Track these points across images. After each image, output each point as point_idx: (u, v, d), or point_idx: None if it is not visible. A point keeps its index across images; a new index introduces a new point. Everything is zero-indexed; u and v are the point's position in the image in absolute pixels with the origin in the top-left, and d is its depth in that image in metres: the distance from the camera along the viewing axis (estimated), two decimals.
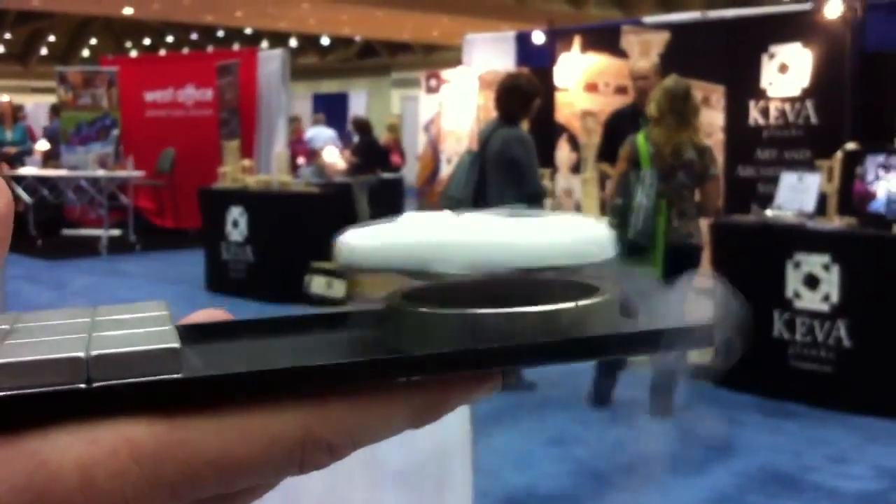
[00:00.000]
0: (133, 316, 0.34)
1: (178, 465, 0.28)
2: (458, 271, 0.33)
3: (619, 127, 5.29)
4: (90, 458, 0.27)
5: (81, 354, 0.28)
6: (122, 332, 0.31)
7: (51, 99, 13.53)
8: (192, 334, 0.34)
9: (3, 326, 0.32)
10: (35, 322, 0.33)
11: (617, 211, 4.31)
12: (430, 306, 0.33)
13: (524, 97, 4.82)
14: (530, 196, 4.66)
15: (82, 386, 0.28)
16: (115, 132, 11.28)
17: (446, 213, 0.35)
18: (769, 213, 5.17)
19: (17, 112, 12.50)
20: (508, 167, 4.71)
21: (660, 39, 7.07)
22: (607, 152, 5.49)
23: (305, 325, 0.38)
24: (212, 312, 0.38)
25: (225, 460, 0.29)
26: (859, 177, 4.81)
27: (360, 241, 0.35)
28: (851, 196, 4.88)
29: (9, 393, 0.27)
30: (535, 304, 0.33)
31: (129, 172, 10.77)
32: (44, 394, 0.28)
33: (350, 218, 5.94)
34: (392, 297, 0.35)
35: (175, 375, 0.29)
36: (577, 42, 7.75)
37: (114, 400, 0.28)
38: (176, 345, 0.29)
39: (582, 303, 0.34)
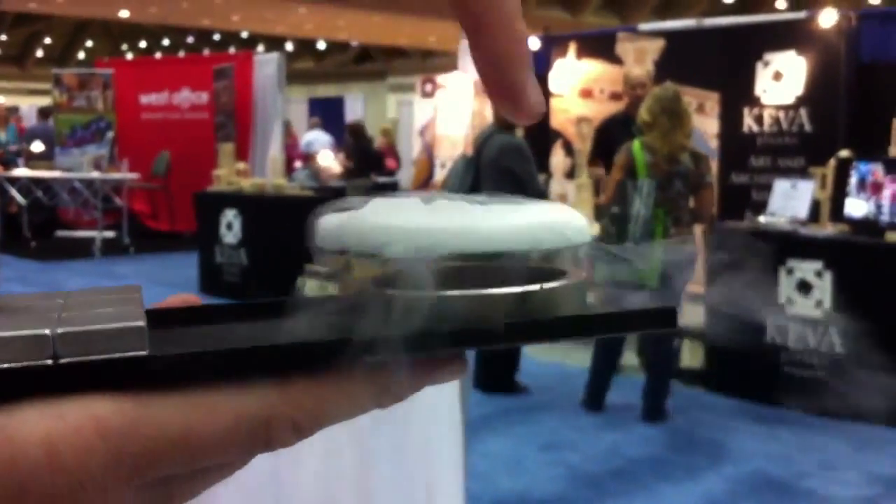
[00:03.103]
0: (103, 297, 0.34)
1: (142, 441, 0.29)
2: (408, 255, 0.33)
3: (611, 133, 5.30)
4: (56, 433, 0.27)
5: (47, 331, 0.29)
6: (90, 312, 0.31)
7: (47, 101, 13.51)
8: (164, 317, 0.35)
9: None
10: (8, 303, 0.34)
11: (614, 220, 4.31)
12: (396, 290, 0.33)
13: None
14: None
15: (49, 362, 0.28)
16: (110, 134, 11.26)
17: (414, 200, 0.36)
18: (763, 219, 5.19)
19: (9, 114, 12.49)
20: (504, 175, 4.71)
21: (655, 46, 7.09)
22: (598, 157, 5.51)
23: (277, 309, 0.38)
24: (185, 297, 0.39)
25: (189, 438, 0.29)
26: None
27: (326, 223, 0.35)
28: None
29: None
30: (501, 287, 0.33)
31: (124, 175, 10.75)
32: (10, 370, 0.28)
33: None
34: (362, 283, 0.36)
35: (141, 353, 0.29)
36: (572, 48, 7.76)
37: (80, 377, 0.28)
38: (141, 323, 0.30)
39: (547, 286, 0.34)
